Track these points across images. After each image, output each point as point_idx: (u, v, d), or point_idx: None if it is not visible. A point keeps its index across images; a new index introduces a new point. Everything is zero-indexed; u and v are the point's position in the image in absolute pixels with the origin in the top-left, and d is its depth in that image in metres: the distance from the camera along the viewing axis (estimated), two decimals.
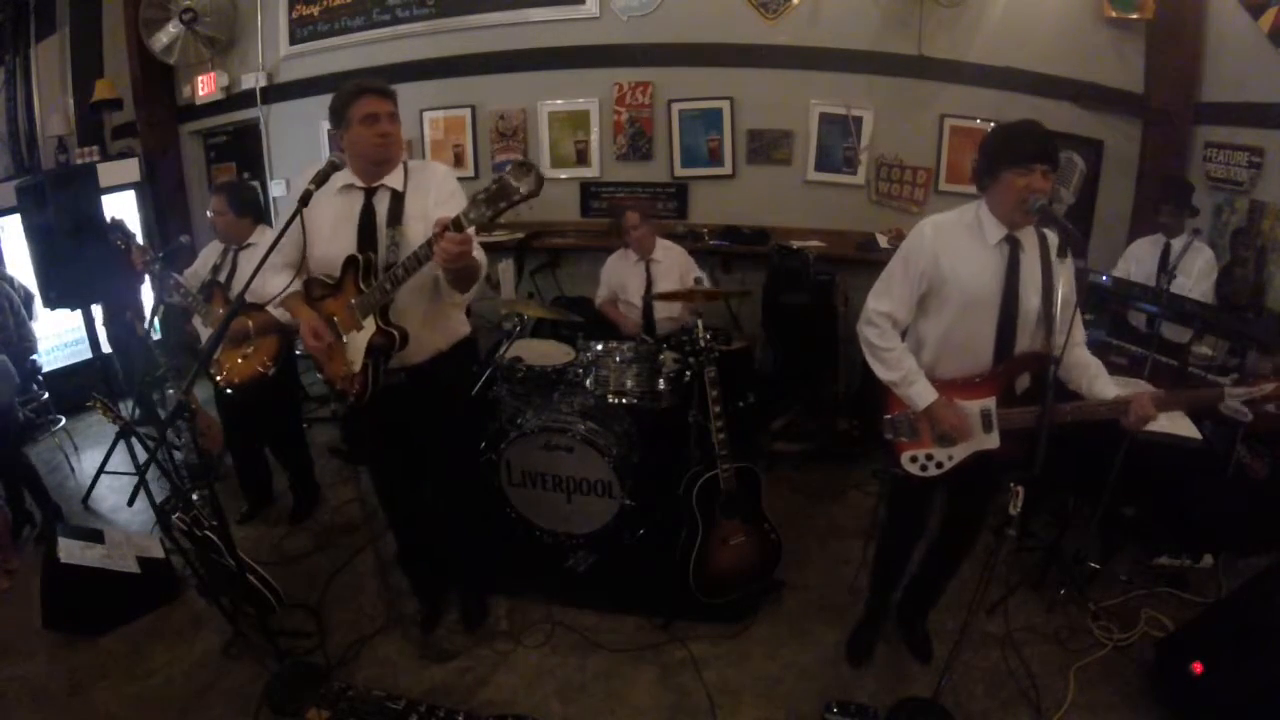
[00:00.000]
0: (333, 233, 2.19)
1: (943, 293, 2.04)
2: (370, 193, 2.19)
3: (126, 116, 5.54)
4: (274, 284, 2.22)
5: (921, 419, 2.10)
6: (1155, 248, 3.39)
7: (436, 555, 2.72)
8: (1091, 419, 2.00)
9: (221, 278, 3.17)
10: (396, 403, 2.28)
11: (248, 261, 3.14)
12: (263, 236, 3.21)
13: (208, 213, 3.19)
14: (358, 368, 2.19)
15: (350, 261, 2.14)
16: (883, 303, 2.10)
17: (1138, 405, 1.91)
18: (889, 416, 2.17)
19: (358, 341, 2.17)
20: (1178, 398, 2.07)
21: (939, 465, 2.12)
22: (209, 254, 3.30)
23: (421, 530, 2.66)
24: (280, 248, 2.15)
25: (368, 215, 2.18)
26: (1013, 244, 1.99)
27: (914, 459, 2.14)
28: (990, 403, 2.05)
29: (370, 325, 2.14)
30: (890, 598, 2.59)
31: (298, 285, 2.25)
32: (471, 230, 1.83)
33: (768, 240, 4.39)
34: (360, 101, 2.10)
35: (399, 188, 2.19)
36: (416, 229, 2.15)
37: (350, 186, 2.19)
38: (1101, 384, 2.03)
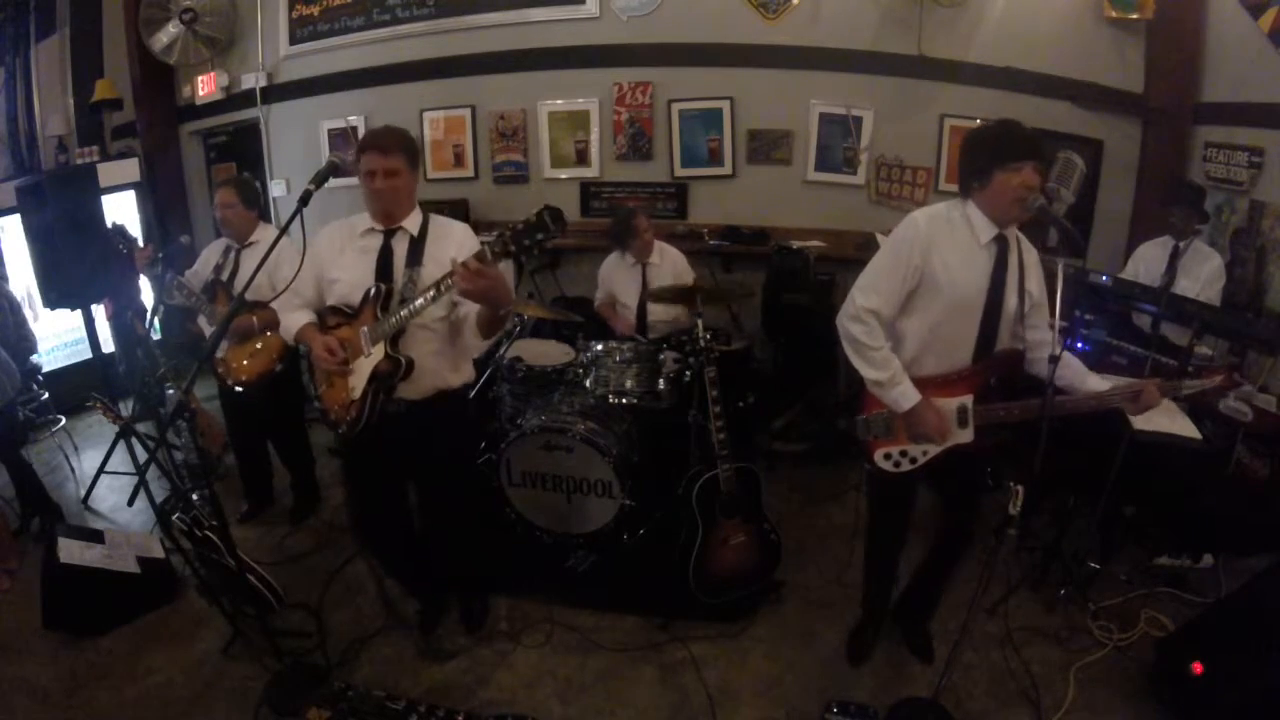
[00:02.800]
0: (351, 270, 2.25)
1: (931, 290, 2.02)
2: (389, 234, 2.25)
3: (126, 116, 5.54)
4: (288, 317, 2.29)
5: (898, 419, 2.09)
6: (1163, 250, 3.38)
7: (422, 564, 2.69)
8: (1067, 413, 2.01)
9: (224, 276, 3.17)
10: (392, 433, 2.27)
11: (250, 260, 3.15)
12: (264, 234, 3.22)
13: (215, 207, 3.19)
14: (358, 394, 2.21)
15: (373, 291, 2.19)
16: (870, 298, 2.03)
17: (1148, 394, 1.96)
18: (863, 417, 2.17)
19: (363, 368, 2.21)
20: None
21: (913, 461, 2.13)
22: (210, 254, 3.31)
23: (400, 546, 2.61)
24: (294, 286, 2.19)
25: (386, 254, 2.24)
26: (1001, 244, 2.00)
27: (888, 455, 2.15)
28: (967, 400, 2.06)
29: (378, 352, 2.18)
30: (887, 597, 2.58)
31: (310, 316, 2.30)
32: (498, 265, 1.91)
33: (768, 240, 4.39)
34: (362, 157, 2.17)
35: (415, 233, 2.25)
36: (432, 270, 2.20)
37: (370, 230, 2.26)
38: (1094, 380, 2.05)
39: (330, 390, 2.29)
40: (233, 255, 3.21)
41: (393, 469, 2.40)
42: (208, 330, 3.23)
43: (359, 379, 2.21)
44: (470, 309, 2.17)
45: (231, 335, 3.07)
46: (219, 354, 3.15)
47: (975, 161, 1.98)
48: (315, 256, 2.23)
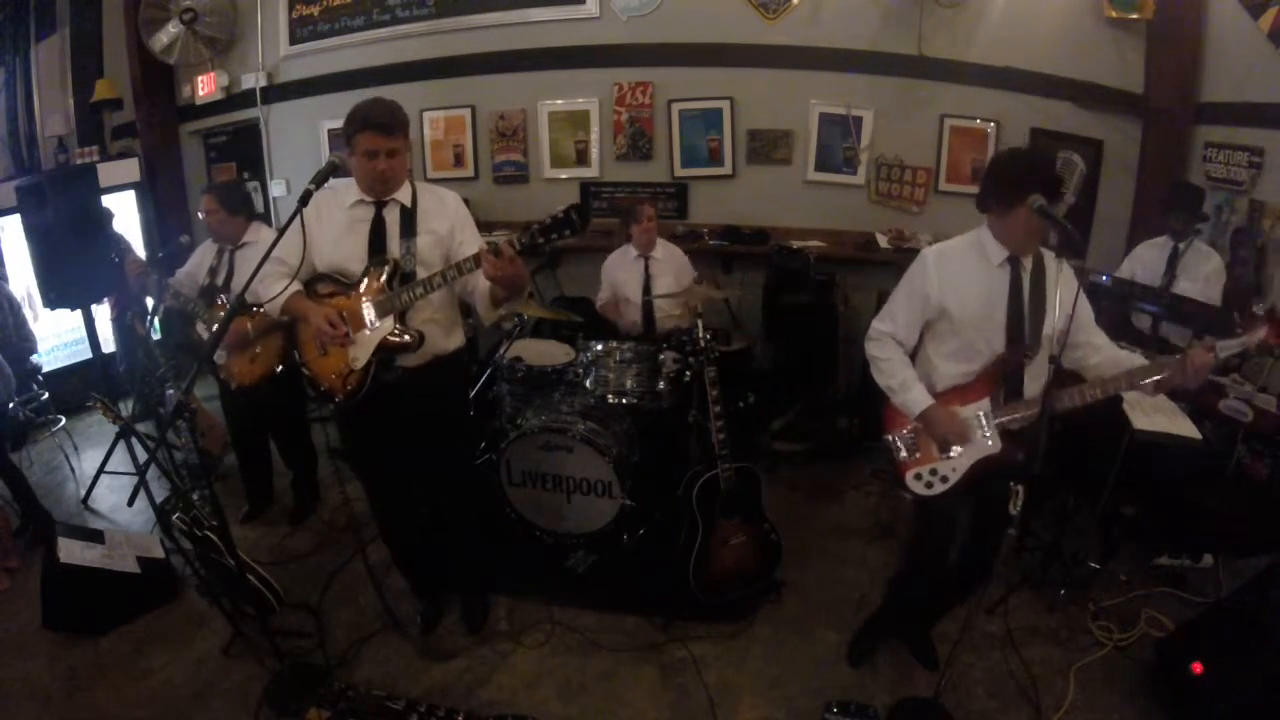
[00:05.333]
0: (343, 238, 2.25)
1: (949, 320, 2.08)
2: (380, 205, 2.25)
3: (126, 116, 5.54)
4: (271, 289, 2.23)
5: (920, 430, 2.11)
6: (1161, 251, 3.38)
7: (434, 557, 2.72)
8: (1087, 403, 1.98)
9: (219, 280, 3.14)
10: (390, 403, 2.29)
11: (244, 262, 3.12)
12: (258, 235, 3.19)
13: (199, 214, 3.16)
14: (360, 365, 2.22)
15: (378, 263, 2.20)
16: (884, 323, 2.18)
17: (1194, 357, 1.85)
18: (890, 435, 2.18)
19: (368, 340, 2.21)
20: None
21: (944, 479, 2.12)
22: (203, 256, 3.27)
23: (415, 533, 2.66)
24: (281, 255, 2.17)
25: (378, 225, 2.25)
26: (1014, 264, 2.02)
27: (918, 476, 2.14)
28: (984, 404, 2.06)
29: (387, 325, 2.19)
30: (897, 621, 2.57)
31: (296, 287, 2.25)
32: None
33: (768, 240, 4.39)
34: (361, 135, 2.13)
35: (407, 203, 2.26)
36: (427, 240, 2.25)
37: (360, 202, 2.25)
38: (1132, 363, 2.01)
39: (325, 360, 2.29)
40: (226, 257, 3.18)
41: (395, 440, 2.39)
42: (205, 336, 3.20)
43: (363, 350, 2.22)
44: (481, 282, 2.18)
45: (227, 344, 3.04)
46: (220, 360, 3.13)
47: (1004, 188, 1.97)
48: (299, 239, 2.13)
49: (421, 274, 2.21)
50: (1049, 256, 2.05)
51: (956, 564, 2.38)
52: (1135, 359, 2.04)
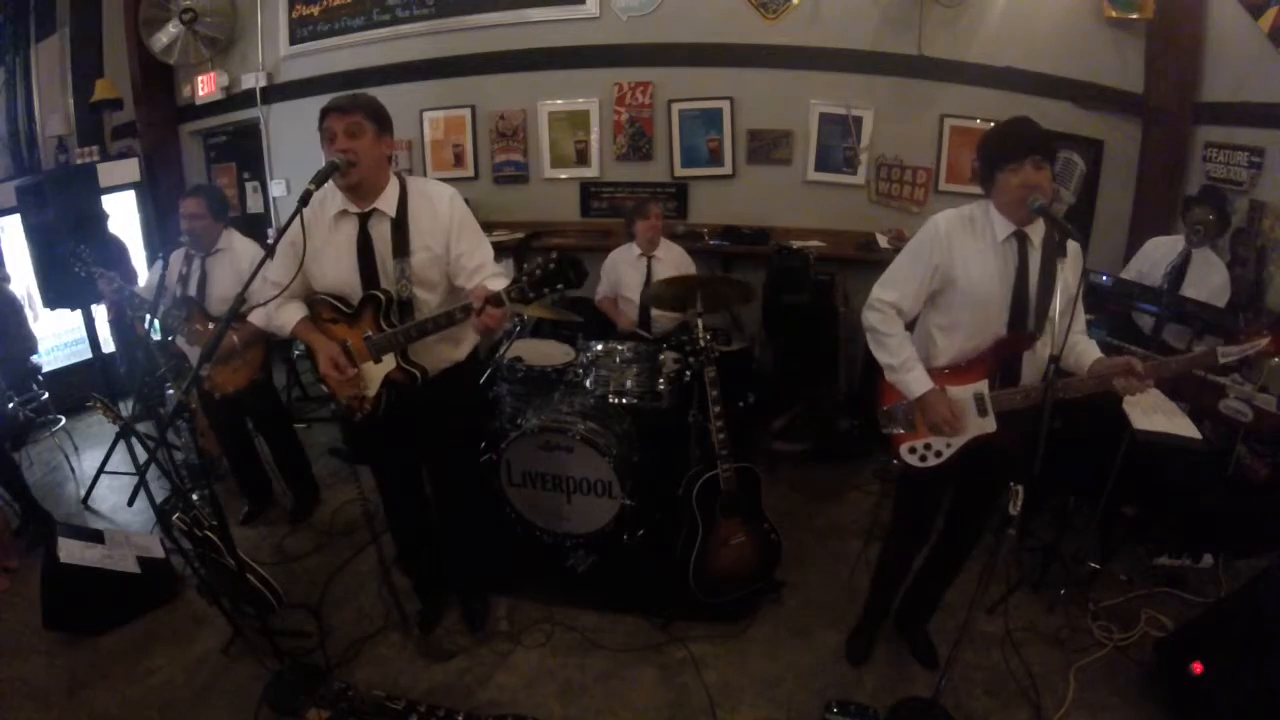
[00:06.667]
0: (331, 260, 2.18)
1: (954, 290, 2.05)
2: (364, 219, 2.13)
3: (126, 116, 5.55)
4: (263, 293, 2.20)
5: (915, 408, 2.11)
6: (1170, 250, 3.35)
7: (438, 556, 2.72)
8: (1084, 393, 1.99)
9: (192, 289, 3.09)
10: (404, 407, 2.28)
11: (217, 268, 3.09)
12: (229, 241, 3.13)
13: (182, 216, 3.05)
14: (372, 394, 2.22)
15: (371, 299, 2.15)
16: (888, 291, 2.11)
17: (1126, 367, 1.90)
18: (885, 407, 2.19)
19: (375, 372, 2.20)
20: (1168, 364, 1.98)
21: (938, 454, 2.12)
22: (173, 263, 3.20)
23: (423, 530, 2.66)
24: (276, 278, 2.15)
25: (365, 244, 2.15)
26: (1021, 239, 2.00)
27: (912, 449, 2.15)
28: (982, 385, 2.06)
29: (390, 361, 2.17)
30: (891, 599, 2.58)
31: (303, 311, 2.25)
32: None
33: (768, 240, 4.40)
34: (323, 124, 2.08)
35: (393, 213, 2.14)
36: (423, 258, 2.16)
37: (344, 213, 2.15)
38: (1090, 356, 2.04)
39: (341, 386, 2.26)
40: (197, 263, 3.11)
41: (406, 440, 2.37)
42: (186, 348, 3.18)
43: (372, 381, 2.21)
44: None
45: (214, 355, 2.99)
46: (203, 371, 3.07)
47: (982, 164, 2.01)
48: (298, 243, 2.05)
49: (420, 294, 2.17)
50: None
51: (938, 543, 2.40)
52: (1092, 349, 2.06)
